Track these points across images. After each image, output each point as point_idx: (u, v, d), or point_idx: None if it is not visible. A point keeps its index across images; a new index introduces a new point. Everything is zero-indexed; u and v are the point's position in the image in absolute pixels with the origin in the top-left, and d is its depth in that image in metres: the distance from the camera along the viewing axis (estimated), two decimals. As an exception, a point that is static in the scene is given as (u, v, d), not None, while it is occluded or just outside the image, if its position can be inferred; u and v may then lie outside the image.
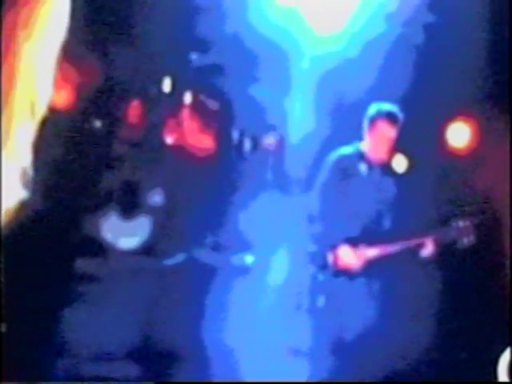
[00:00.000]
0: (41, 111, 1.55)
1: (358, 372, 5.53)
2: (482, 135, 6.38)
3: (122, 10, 6.40)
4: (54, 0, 1.57)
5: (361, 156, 5.73)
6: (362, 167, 5.72)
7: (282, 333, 5.92)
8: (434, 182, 6.20)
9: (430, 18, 6.36)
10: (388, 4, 6.34)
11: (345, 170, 5.69)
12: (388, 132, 5.62)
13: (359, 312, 5.58)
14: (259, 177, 6.27)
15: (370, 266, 5.66)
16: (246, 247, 6.27)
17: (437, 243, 5.66)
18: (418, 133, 6.24)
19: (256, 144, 6.63)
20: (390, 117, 5.61)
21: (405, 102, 6.02)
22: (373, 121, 5.64)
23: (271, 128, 6.57)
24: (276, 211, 5.92)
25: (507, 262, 5.66)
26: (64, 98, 5.64)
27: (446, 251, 5.81)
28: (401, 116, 5.66)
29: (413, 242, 5.64)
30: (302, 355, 5.81)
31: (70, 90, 5.72)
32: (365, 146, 5.74)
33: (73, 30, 5.08)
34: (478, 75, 6.13)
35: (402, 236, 5.65)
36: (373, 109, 5.66)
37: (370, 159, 5.72)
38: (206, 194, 6.34)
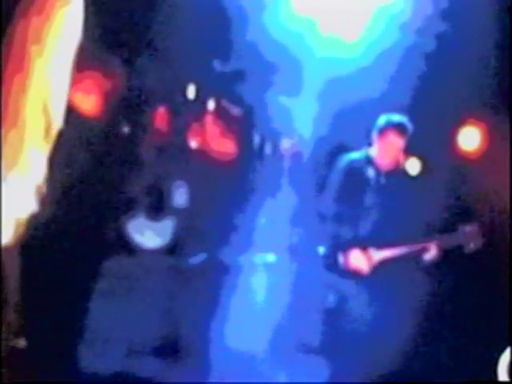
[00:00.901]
0: (55, 129, 1.50)
1: (362, 370, 5.61)
2: (492, 139, 6.52)
3: (148, 21, 6.60)
4: (66, 14, 1.50)
5: (369, 161, 5.85)
6: (371, 172, 5.84)
7: (298, 331, 6.05)
8: (445, 185, 6.26)
9: (441, 27, 6.49)
10: (402, 14, 6.53)
11: (354, 174, 5.80)
12: (397, 142, 5.77)
13: (366, 313, 5.67)
14: (278, 179, 6.42)
15: (378, 269, 5.75)
16: (266, 247, 6.47)
17: (440, 248, 5.73)
18: (430, 137, 6.39)
19: (275, 148, 6.80)
20: (400, 128, 5.76)
21: (417, 108, 6.16)
22: (382, 131, 5.79)
23: (289, 132, 6.75)
24: (293, 212, 6.10)
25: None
26: (92, 105, 5.81)
27: (451, 255, 5.86)
28: (410, 127, 5.79)
29: (418, 246, 5.73)
30: (313, 353, 5.91)
31: (97, 97, 5.85)
32: (373, 152, 5.86)
33: (100, 39, 5.32)
34: (488, 81, 6.24)
35: (410, 240, 5.72)
36: (383, 119, 5.81)
37: (378, 165, 5.84)
38: (228, 196, 6.45)
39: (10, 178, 1.43)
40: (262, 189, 6.41)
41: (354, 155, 5.93)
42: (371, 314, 5.68)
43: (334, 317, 5.83)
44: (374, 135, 5.85)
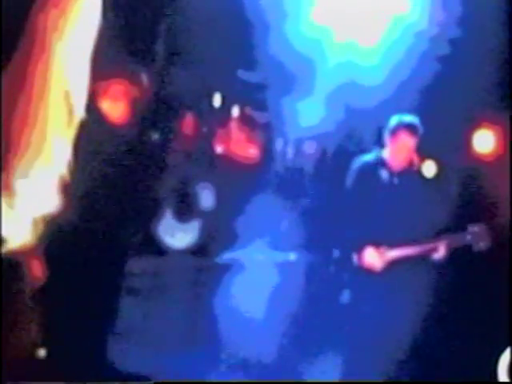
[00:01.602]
0: (78, 117, 1.48)
1: (374, 367, 5.69)
2: (506, 142, 6.60)
3: (176, 33, 6.85)
4: (85, 1, 1.50)
5: (382, 163, 5.91)
6: (383, 173, 5.90)
7: (314, 328, 6.22)
8: (457, 187, 6.33)
9: (455, 32, 6.60)
10: (418, 23, 6.70)
11: (367, 175, 5.87)
12: (408, 142, 5.83)
13: (377, 310, 5.70)
14: (299, 182, 6.61)
15: (391, 267, 5.79)
16: (288, 246, 6.65)
17: (449, 247, 5.77)
18: (445, 140, 6.52)
19: (297, 152, 7.00)
20: (411, 128, 5.83)
21: (432, 111, 6.29)
22: (394, 131, 5.85)
23: (311, 137, 6.95)
24: (312, 213, 6.27)
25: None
26: (120, 112, 6.01)
27: (459, 255, 5.88)
28: (420, 127, 5.86)
29: (427, 246, 5.78)
30: (328, 349, 5.96)
31: (125, 104, 5.93)
32: (386, 153, 5.93)
33: (128, 49, 5.55)
34: (501, 85, 6.36)
35: (420, 239, 5.77)
36: (394, 120, 5.87)
37: (391, 166, 5.90)
38: (252, 198, 6.54)
39: (33, 170, 1.41)
40: (283, 190, 6.63)
41: (367, 157, 6.01)
42: (382, 311, 5.70)
43: (348, 314, 5.90)
44: (386, 136, 5.93)
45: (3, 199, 1.38)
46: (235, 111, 7.10)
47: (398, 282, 5.77)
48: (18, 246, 1.40)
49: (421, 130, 5.88)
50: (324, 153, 6.87)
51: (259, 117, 7.03)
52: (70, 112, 1.47)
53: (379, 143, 6.05)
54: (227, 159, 6.99)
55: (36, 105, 1.42)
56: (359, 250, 5.83)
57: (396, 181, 5.92)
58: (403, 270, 5.78)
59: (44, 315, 1.57)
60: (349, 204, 5.93)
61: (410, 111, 6.06)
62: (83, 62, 1.49)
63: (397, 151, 5.89)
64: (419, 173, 6.16)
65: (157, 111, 6.75)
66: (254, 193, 6.58)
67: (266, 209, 6.50)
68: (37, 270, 1.52)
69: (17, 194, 1.39)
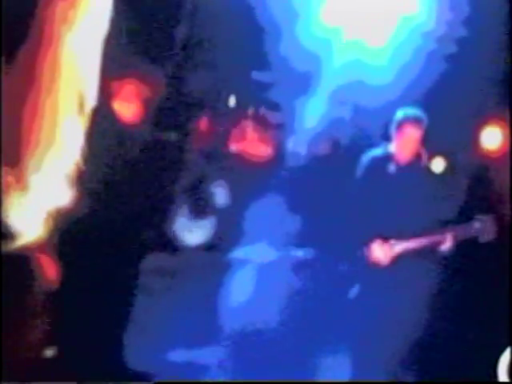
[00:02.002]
0: (89, 105, 1.47)
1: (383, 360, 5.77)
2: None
3: (193, 37, 7.02)
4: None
5: (390, 157, 6.02)
6: (391, 167, 6.01)
7: (325, 322, 6.22)
8: (466, 182, 6.41)
9: (462, 31, 6.66)
10: (426, 23, 6.81)
11: (375, 169, 5.98)
12: (414, 134, 5.93)
13: (385, 303, 5.77)
14: (310, 179, 6.72)
15: (398, 260, 5.88)
16: (299, 242, 6.77)
17: (456, 239, 5.82)
18: (453, 136, 6.63)
19: (309, 150, 7.12)
20: (416, 120, 5.92)
21: (442, 109, 6.42)
22: (399, 125, 5.95)
23: (323, 135, 7.07)
24: (323, 209, 6.38)
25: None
26: (133, 112, 6.09)
27: (465, 247, 5.90)
28: (425, 119, 5.96)
29: (434, 238, 5.83)
30: (338, 343, 6.05)
31: (138, 104, 6.09)
32: (393, 148, 6.03)
33: (144, 51, 5.69)
34: (508, 82, 6.39)
35: (427, 232, 5.83)
36: (399, 114, 5.98)
37: (398, 160, 6.01)
38: (265, 196, 6.68)
39: (46, 163, 1.39)
40: (294, 188, 6.76)
41: (375, 152, 6.12)
42: (391, 304, 5.76)
43: (357, 308, 5.95)
44: (392, 130, 6.02)
45: (15, 193, 1.36)
46: (249, 111, 7.24)
47: (406, 275, 5.83)
48: (30, 241, 1.38)
49: (426, 121, 5.97)
50: (334, 150, 6.99)
51: (272, 117, 7.15)
52: (81, 100, 1.45)
53: (387, 138, 6.13)
54: (241, 158, 7.10)
55: (46, 96, 1.39)
56: (367, 244, 5.91)
57: (403, 174, 5.99)
58: (411, 263, 5.85)
59: (55, 314, 1.51)
60: (357, 199, 6.01)
61: (418, 108, 6.13)
62: (94, 52, 1.48)
63: (403, 144, 5.98)
64: (428, 169, 6.27)
65: (174, 111, 6.95)
66: (266, 190, 6.69)
67: (278, 206, 6.64)
68: (49, 268, 1.46)
69: (29, 187, 1.37)
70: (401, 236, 5.89)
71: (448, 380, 5.67)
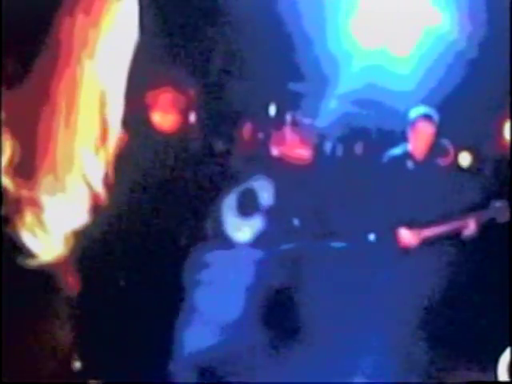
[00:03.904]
0: (114, 134, 1.35)
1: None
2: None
3: (233, 52, 7.49)
4: (118, 11, 1.33)
5: (408, 154, 6.50)
6: (410, 163, 6.49)
7: (362, 310, 6.40)
8: (487, 171, 6.87)
9: (484, 34, 7.04)
10: (448, 34, 7.21)
11: (396, 166, 6.46)
12: (427, 129, 6.41)
13: (414, 288, 6.04)
14: (345, 177, 7.15)
15: (424, 246, 6.24)
16: (338, 235, 7.16)
17: (478, 223, 6.17)
18: (478, 132, 7.05)
19: (347, 151, 7.58)
20: (427, 117, 6.41)
21: (466, 107, 6.89)
22: (414, 122, 6.46)
23: (359, 137, 7.55)
24: (358, 203, 6.83)
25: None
26: (171, 122, 6.33)
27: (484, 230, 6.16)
28: (435, 115, 6.43)
29: (457, 223, 6.20)
30: (370, 328, 6.28)
31: (175, 114, 6.35)
32: (410, 146, 6.51)
33: (180, 60, 6.00)
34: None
35: (449, 218, 6.19)
36: (413, 113, 6.48)
37: (416, 156, 6.50)
38: (307, 195, 7.14)
39: (62, 186, 1.30)
40: (334, 186, 7.18)
41: (396, 151, 6.60)
42: (419, 290, 6.03)
43: (387, 293, 6.20)
44: (408, 129, 6.50)
45: (31, 215, 1.28)
46: (288, 118, 7.69)
47: (432, 260, 6.15)
48: (50, 259, 1.30)
49: (437, 118, 6.44)
50: (365, 150, 7.46)
51: (309, 121, 7.61)
52: (105, 127, 1.34)
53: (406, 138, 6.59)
54: (283, 160, 7.51)
55: (62, 118, 1.29)
56: (394, 232, 6.32)
57: (422, 169, 6.44)
58: (436, 248, 6.21)
59: (81, 326, 1.43)
60: (384, 193, 6.46)
61: (441, 108, 6.60)
62: (120, 77, 1.36)
63: (418, 140, 6.45)
64: (456, 163, 6.72)
65: (221, 120, 7.48)
66: (306, 189, 7.14)
67: (317, 202, 7.09)
68: (71, 281, 1.37)
69: (45, 209, 1.29)
70: (425, 223, 6.26)
71: (448, 379, 5.80)
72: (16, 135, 1.27)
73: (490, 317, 5.72)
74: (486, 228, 6.22)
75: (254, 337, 6.61)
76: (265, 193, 7.34)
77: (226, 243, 7.18)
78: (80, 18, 1.29)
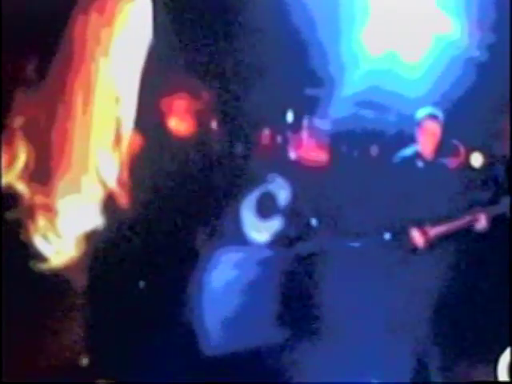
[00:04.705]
0: (127, 133, 1.34)
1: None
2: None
3: (254, 56, 7.65)
4: (131, 11, 1.32)
5: (417, 155, 6.73)
6: (419, 163, 6.71)
7: (382, 310, 6.46)
8: (498, 170, 7.02)
9: (492, 44, 7.36)
10: (458, 42, 7.44)
11: (407, 167, 6.68)
12: (434, 128, 6.63)
13: (431, 286, 6.20)
14: (362, 179, 7.36)
15: (436, 243, 6.39)
16: (353, 235, 7.27)
17: (489, 217, 6.30)
18: (489, 132, 7.25)
19: (362, 153, 7.80)
20: (433, 117, 6.64)
21: (476, 110, 7.07)
22: (420, 123, 6.69)
23: (373, 140, 7.77)
24: (372, 204, 7.02)
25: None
26: (186, 127, 6.28)
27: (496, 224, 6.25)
28: (440, 115, 6.66)
29: (468, 218, 6.34)
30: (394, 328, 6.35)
31: (191, 119, 6.32)
32: (419, 146, 6.74)
33: (194, 66, 6.17)
34: None
35: (459, 215, 6.35)
36: (420, 114, 6.71)
37: (425, 157, 6.71)
38: (324, 196, 7.32)
39: (78, 189, 1.29)
40: (351, 187, 7.30)
41: (406, 152, 6.84)
42: (435, 286, 6.18)
43: (402, 290, 6.37)
44: (416, 130, 6.73)
45: (44, 220, 1.28)
46: (305, 123, 7.88)
47: (444, 257, 6.32)
48: (61, 263, 1.30)
49: (441, 117, 6.66)
50: (380, 152, 7.67)
51: (324, 125, 7.80)
52: (119, 126, 1.33)
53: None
54: (300, 163, 7.72)
55: (78, 119, 1.28)
56: (408, 231, 6.52)
57: (431, 169, 6.64)
58: (448, 245, 6.37)
59: (90, 324, 1.42)
60: (396, 193, 6.67)
61: (452, 111, 6.84)
62: (133, 76, 1.35)
63: (426, 139, 6.67)
64: (467, 163, 6.92)
65: (240, 125, 7.69)
66: (323, 190, 7.32)
67: (333, 203, 7.27)
68: (82, 281, 1.37)
69: (59, 214, 1.29)
70: (436, 221, 6.43)
71: (448, 380, 5.79)
72: (31, 141, 1.25)
73: (490, 317, 5.70)
74: (496, 223, 6.35)
75: (273, 336, 6.66)
76: (283, 194, 7.51)
77: (245, 244, 7.35)
78: (94, 17, 1.28)
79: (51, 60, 1.28)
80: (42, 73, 1.28)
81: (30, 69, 1.26)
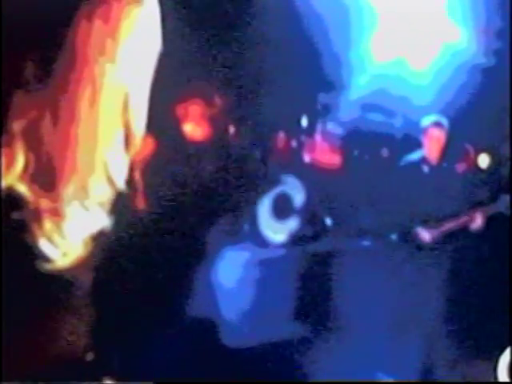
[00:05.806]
0: (138, 137, 1.31)
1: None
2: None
3: (270, 64, 7.77)
4: (138, 16, 1.27)
5: (423, 159, 6.93)
6: (425, 167, 6.91)
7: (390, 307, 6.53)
8: (504, 171, 7.21)
9: (499, 50, 7.50)
10: (466, 51, 7.62)
11: (413, 170, 6.89)
12: (438, 135, 6.83)
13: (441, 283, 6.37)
14: (372, 181, 7.59)
15: (440, 241, 6.56)
16: (364, 234, 7.47)
17: (485, 216, 6.44)
18: (495, 135, 7.46)
19: (373, 157, 8.04)
20: (437, 123, 6.86)
21: (482, 114, 7.29)
22: (426, 130, 6.90)
23: (383, 144, 8.02)
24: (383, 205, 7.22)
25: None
26: (201, 132, 6.43)
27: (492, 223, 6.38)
28: (445, 122, 6.86)
29: (465, 217, 6.50)
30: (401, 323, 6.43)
31: (205, 124, 6.45)
32: (424, 151, 6.93)
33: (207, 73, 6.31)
34: None
35: (458, 213, 6.52)
36: (425, 121, 6.92)
37: (430, 161, 6.91)
38: (338, 197, 7.56)
39: (85, 192, 1.26)
40: (363, 188, 7.49)
41: (412, 156, 7.06)
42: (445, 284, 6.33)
43: (411, 287, 6.51)
44: (422, 137, 6.94)
45: (50, 223, 1.25)
46: (318, 127, 8.16)
47: (444, 256, 6.50)
48: (67, 264, 1.29)
49: (446, 124, 6.87)
50: (390, 155, 7.91)
51: (337, 129, 8.05)
52: (128, 129, 1.31)
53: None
54: (314, 166, 7.98)
55: (83, 122, 1.25)
56: (413, 230, 6.71)
57: (436, 172, 6.84)
58: (450, 242, 6.55)
59: (96, 320, 1.40)
60: (405, 194, 6.86)
61: (460, 115, 7.04)
62: (143, 81, 1.32)
63: (431, 145, 6.88)
64: (475, 165, 7.14)
65: (258, 131, 7.92)
66: (337, 191, 7.57)
67: (347, 203, 7.49)
68: (87, 279, 1.35)
69: (66, 218, 1.27)
70: (439, 220, 6.62)
71: (448, 380, 5.83)
72: (30, 144, 1.23)
73: (490, 317, 5.70)
74: (492, 222, 6.47)
75: (288, 334, 6.74)
76: (298, 196, 7.70)
77: (262, 244, 7.52)
78: (97, 25, 1.25)
79: (53, 63, 1.26)
80: (43, 76, 1.26)
81: (31, 72, 1.24)
